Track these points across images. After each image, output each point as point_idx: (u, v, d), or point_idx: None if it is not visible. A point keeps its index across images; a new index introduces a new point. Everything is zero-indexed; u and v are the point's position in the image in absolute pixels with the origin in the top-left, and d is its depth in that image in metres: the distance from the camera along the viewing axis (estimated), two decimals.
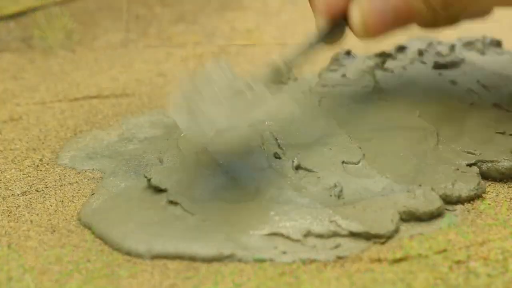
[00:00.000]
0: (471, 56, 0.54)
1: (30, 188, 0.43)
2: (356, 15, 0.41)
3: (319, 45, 0.43)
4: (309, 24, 0.67)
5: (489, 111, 0.46)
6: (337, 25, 0.43)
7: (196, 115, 0.38)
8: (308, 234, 0.36)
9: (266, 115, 0.39)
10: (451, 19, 0.42)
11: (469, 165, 0.41)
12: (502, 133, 0.43)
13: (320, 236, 0.36)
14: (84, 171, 0.45)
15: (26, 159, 0.46)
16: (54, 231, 0.38)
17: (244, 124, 0.39)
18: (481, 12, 0.46)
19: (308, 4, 0.44)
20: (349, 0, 0.42)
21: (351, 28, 0.42)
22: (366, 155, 0.41)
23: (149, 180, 0.40)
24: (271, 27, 0.70)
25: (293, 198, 0.38)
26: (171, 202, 0.38)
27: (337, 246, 0.35)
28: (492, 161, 0.41)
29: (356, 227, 0.36)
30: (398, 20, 0.41)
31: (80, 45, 0.68)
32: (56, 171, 0.45)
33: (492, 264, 0.34)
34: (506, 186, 0.40)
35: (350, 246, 0.35)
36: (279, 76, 0.42)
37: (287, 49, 0.46)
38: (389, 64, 0.53)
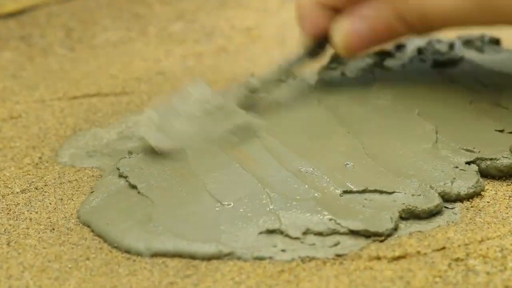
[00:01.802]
0: (470, 54, 0.54)
1: (30, 186, 0.43)
2: (338, 35, 0.45)
3: (304, 61, 0.48)
4: None
5: (488, 109, 0.46)
6: (320, 43, 0.48)
7: (166, 130, 0.42)
8: (307, 232, 0.36)
9: (234, 128, 0.43)
10: (427, 30, 0.45)
11: (468, 163, 0.41)
12: (501, 131, 0.43)
13: (319, 234, 0.36)
14: (83, 169, 0.45)
15: (25, 157, 0.46)
16: (53, 229, 0.38)
17: (212, 136, 0.43)
18: None
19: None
20: (331, 21, 0.46)
21: (333, 47, 0.47)
22: (366, 153, 0.41)
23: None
24: (271, 25, 0.70)
25: (293, 196, 0.38)
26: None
27: (336, 244, 0.35)
28: (491, 159, 0.41)
29: (355, 225, 0.36)
30: (377, 38, 0.45)
31: (80, 43, 0.68)
32: (56, 169, 0.45)
33: (491, 262, 0.34)
34: (505, 184, 0.40)
35: (349, 244, 0.35)
36: (255, 95, 0.47)
37: (268, 68, 0.50)
38: (388, 62, 0.53)
